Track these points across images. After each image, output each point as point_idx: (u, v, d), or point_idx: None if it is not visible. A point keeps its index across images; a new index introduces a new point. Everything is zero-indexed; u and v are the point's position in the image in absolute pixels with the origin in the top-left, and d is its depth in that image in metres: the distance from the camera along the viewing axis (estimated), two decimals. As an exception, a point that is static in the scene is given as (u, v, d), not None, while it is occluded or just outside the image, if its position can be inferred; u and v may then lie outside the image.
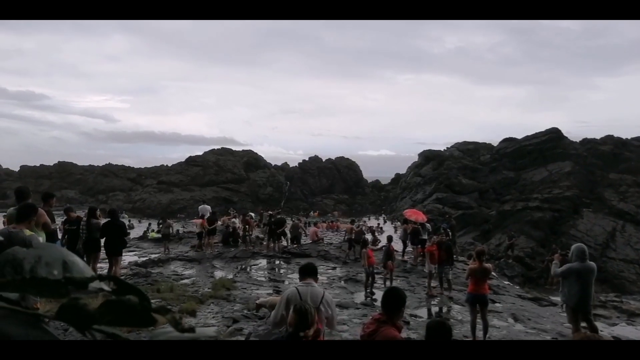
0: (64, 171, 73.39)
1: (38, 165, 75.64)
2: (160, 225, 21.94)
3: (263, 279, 14.44)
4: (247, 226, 21.09)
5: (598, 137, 49.63)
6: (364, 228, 25.33)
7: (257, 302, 8.61)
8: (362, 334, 4.17)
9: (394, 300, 4.06)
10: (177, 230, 32.15)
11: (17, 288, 0.56)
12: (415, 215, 18.13)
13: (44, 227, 6.82)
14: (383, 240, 19.97)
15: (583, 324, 8.13)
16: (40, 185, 61.97)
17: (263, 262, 17.47)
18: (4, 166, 77.14)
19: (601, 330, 9.49)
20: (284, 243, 20.38)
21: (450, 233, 16.92)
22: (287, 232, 20.47)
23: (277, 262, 17.44)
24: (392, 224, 38.70)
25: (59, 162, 76.21)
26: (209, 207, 21.89)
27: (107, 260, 12.02)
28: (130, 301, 0.50)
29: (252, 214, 25.99)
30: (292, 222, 27.14)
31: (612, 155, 44.63)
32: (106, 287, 0.57)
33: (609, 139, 47.96)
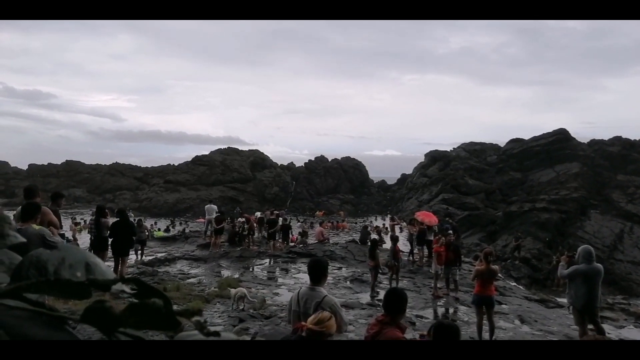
0: (72, 170, 73.77)
1: (46, 163, 76.10)
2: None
3: (268, 278, 14.47)
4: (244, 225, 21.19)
5: (606, 138, 49.35)
6: (369, 228, 25.32)
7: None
8: (366, 335, 4.17)
9: (395, 302, 4.06)
10: (184, 230, 32.34)
11: (41, 290, 0.57)
12: (422, 216, 18.09)
13: (50, 225, 6.86)
14: (387, 241, 19.95)
15: (590, 326, 8.09)
16: (48, 183, 62.36)
17: (269, 261, 17.51)
18: (12, 164, 77.69)
19: (608, 333, 9.44)
20: (291, 243, 20.42)
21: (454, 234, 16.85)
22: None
23: (283, 261, 17.46)
24: (401, 223, 38.47)
25: (66, 160, 76.62)
26: (215, 207, 21.94)
27: (112, 259, 12.06)
28: (155, 304, 0.51)
29: (259, 213, 26.05)
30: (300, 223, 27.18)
31: (620, 157, 44.31)
32: (128, 290, 0.58)
33: (617, 140, 47.63)
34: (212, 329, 0.60)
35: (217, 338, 0.54)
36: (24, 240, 0.70)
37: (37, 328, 0.56)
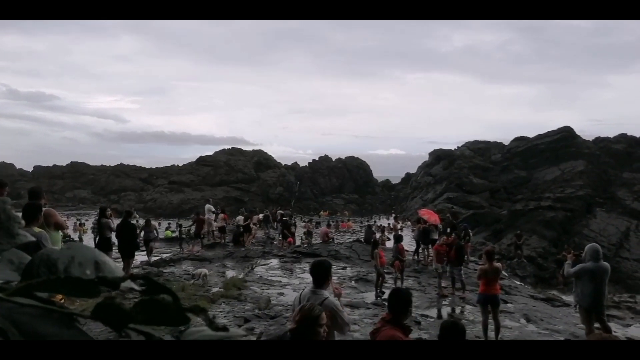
0: (77, 171, 74.15)
1: (51, 165, 76.62)
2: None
3: (274, 278, 14.47)
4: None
5: (611, 135, 49.16)
6: (374, 228, 25.33)
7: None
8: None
9: (398, 301, 4.10)
10: (188, 230, 32.43)
11: (51, 288, 0.58)
12: (429, 215, 18.08)
13: (57, 227, 6.84)
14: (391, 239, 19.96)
15: (596, 325, 8.06)
16: (53, 185, 62.77)
17: (274, 261, 17.52)
18: (17, 166, 78.16)
19: (615, 331, 9.40)
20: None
21: (465, 233, 16.84)
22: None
23: (287, 261, 17.47)
24: (402, 223, 38.35)
25: (71, 162, 77.08)
26: (211, 207, 22.28)
27: (119, 260, 12.13)
28: (164, 300, 0.51)
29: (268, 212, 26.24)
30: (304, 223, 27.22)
31: (625, 154, 44.08)
32: (136, 287, 0.59)
33: (623, 138, 47.38)
34: (238, 330, 0.61)
35: (225, 333, 0.54)
36: (33, 239, 0.70)
37: (48, 325, 0.57)
